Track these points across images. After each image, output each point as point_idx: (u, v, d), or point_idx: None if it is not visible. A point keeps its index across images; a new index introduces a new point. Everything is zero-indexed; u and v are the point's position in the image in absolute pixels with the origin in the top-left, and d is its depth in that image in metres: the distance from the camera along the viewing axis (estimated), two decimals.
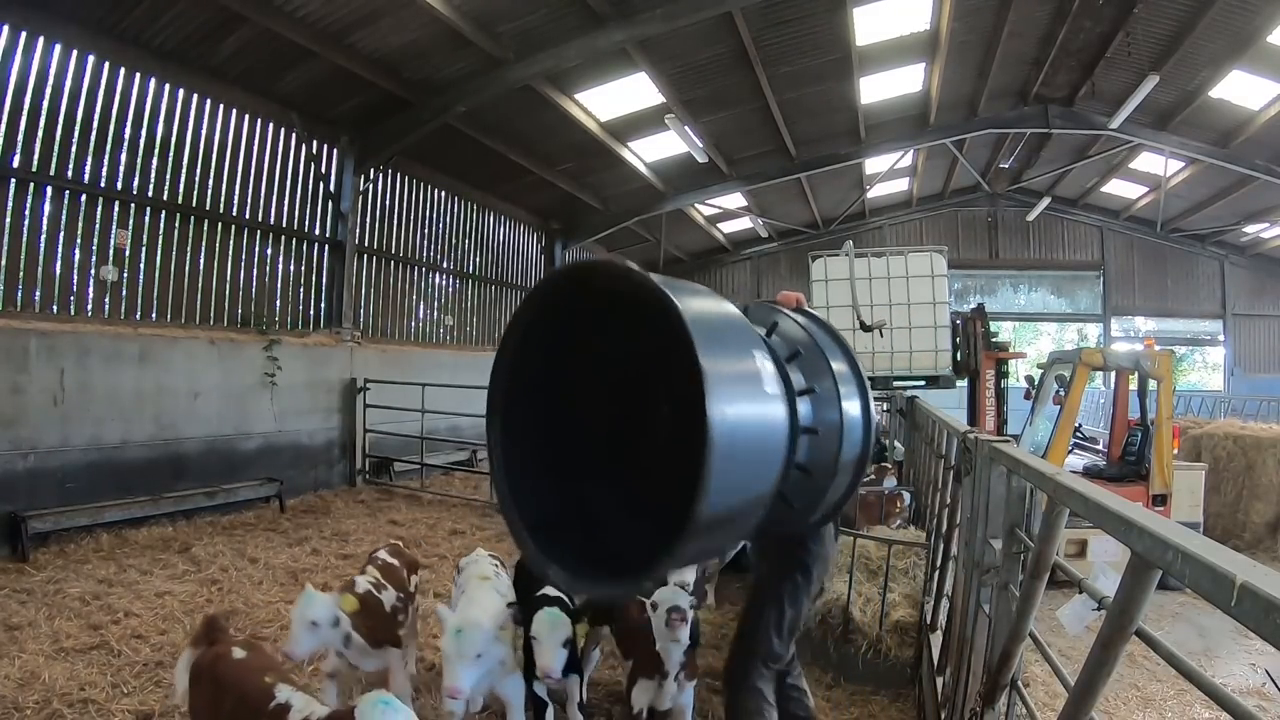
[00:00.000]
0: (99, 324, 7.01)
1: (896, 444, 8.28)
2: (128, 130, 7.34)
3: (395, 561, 3.70)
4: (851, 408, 2.31)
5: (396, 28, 7.81)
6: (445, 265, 12.68)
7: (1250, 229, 17.27)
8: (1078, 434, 7.81)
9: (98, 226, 7.17)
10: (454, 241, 12.86)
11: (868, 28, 9.85)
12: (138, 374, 6.95)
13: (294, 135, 9.15)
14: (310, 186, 9.54)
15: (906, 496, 5.88)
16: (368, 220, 10.63)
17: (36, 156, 6.67)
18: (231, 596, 5.03)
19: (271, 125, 8.92)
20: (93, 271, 7.17)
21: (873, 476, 7.11)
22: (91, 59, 7.00)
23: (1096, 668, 1.36)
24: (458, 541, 6.81)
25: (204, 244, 8.22)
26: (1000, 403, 8.27)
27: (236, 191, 8.56)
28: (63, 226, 6.89)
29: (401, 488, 9.23)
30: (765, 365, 1.81)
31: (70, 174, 6.92)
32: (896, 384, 8.53)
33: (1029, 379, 8.27)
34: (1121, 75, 11.63)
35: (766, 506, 1.81)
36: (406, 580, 3.63)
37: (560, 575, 1.78)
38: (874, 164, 15.52)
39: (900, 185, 18.32)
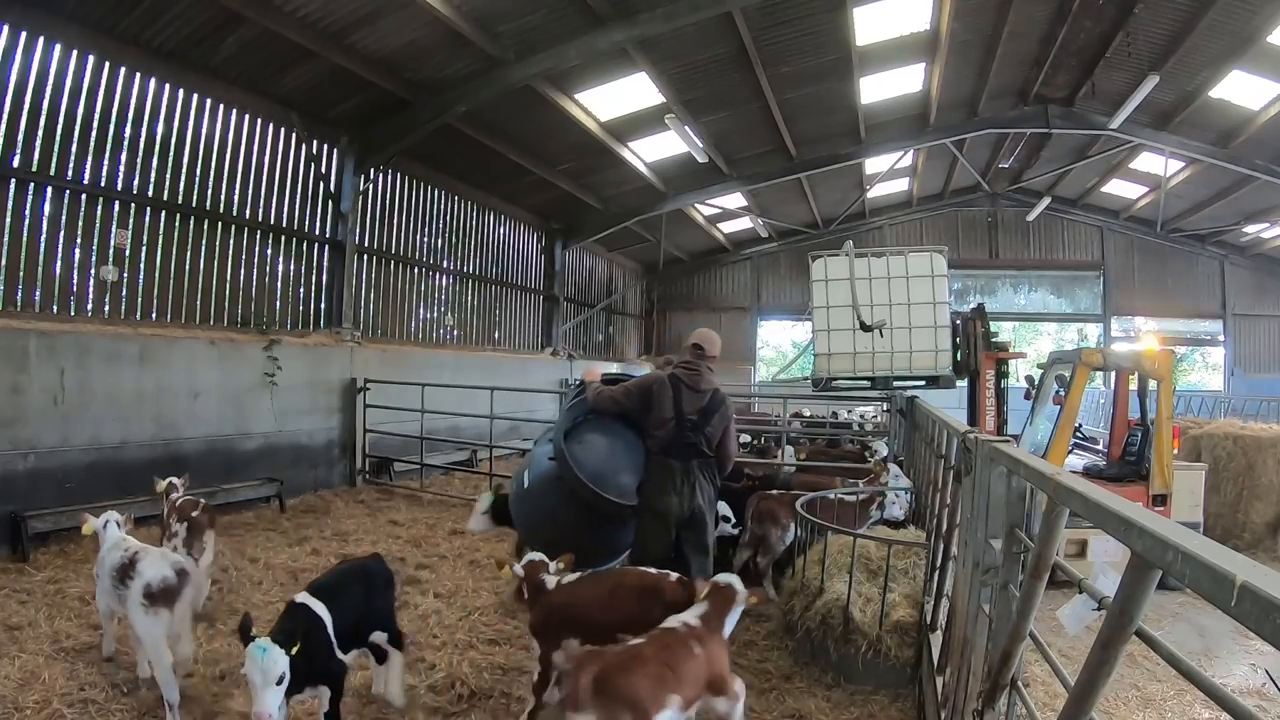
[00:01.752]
0: (99, 324, 7.02)
1: (882, 446, 8.35)
2: (128, 130, 7.34)
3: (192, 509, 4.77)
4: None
5: (396, 28, 7.82)
6: (445, 265, 12.68)
7: (1250, 229, 17.25)
8: (1078, 434, 7.79)
9: (98, 226, 7.18)
10: (454, 241, 12.87)
11: (868, 28, 9.85)
12: (138, 374, 6.94)
13: (294, 135, 9.15)
14: (310, 186, 9.54)
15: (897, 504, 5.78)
16: (368, 220, 10.63)
17: (36, 156, 6.67)
18: (231, 597, 5.05)
19: (271, 125, 8.92)
20: (93, 271, 7.17)
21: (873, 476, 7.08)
22: (91, 59, 7.00)
23: (1096, 668, 1.36)
24: (458, 541, 6.81)
25: (204, 244, 8.22)
26: (1000, 403, 8.24)
27: (236, 191, 8.57)
28: (63, 226, 6.90)
29: (401, 488, 9.23)
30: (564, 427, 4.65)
31: (70, 174, 6.92)
32: (896, 384, 8.51)
33: (1029, 379, 8.25)
34: (1121, 75, 11.62)
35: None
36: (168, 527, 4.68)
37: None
38: (874, 164, 15.51)
39: (900, 185, 18.32)
